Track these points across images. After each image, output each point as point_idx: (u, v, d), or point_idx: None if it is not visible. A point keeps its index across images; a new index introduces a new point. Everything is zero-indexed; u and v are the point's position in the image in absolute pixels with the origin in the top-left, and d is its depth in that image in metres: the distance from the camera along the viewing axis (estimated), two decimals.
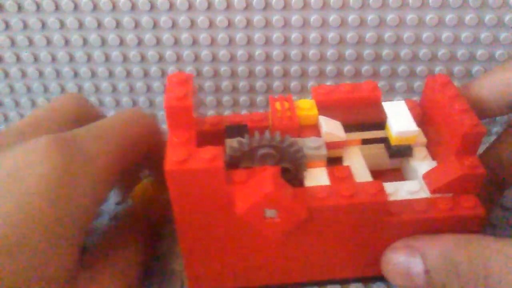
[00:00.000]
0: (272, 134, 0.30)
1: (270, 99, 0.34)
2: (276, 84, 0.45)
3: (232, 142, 0.30)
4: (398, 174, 0.36)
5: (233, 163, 0.30)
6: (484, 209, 0.31)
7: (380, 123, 0.34)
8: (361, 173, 0.33)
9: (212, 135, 0.34)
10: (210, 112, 0.47)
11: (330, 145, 0.33)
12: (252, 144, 0.29)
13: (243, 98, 0.46)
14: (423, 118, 0.36)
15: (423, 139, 0.35)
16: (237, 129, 0.32)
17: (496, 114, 0.35)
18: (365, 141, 0.35)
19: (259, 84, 0.45)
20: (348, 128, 0.34)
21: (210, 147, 0.28)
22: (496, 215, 0.40)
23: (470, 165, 0.31)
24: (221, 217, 0.29)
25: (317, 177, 0.31)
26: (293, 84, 0.45)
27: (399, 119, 0.33)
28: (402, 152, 0.34)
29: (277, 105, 0.34)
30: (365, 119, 0.34)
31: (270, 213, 0.28)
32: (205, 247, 0.31)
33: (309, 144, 0.32)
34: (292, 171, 0.31)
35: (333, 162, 0.33)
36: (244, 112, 0.47)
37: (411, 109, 0.36)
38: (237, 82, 0.45)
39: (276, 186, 0.27)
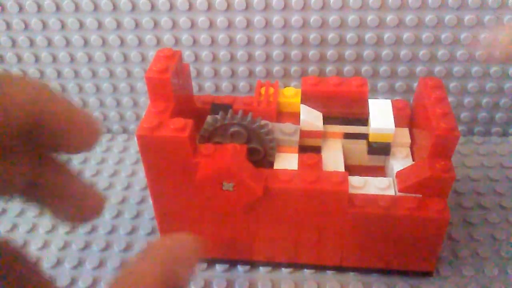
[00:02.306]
0: (245, 115, 0.31)
1: (258, 84, 0.36)
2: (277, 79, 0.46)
3: (209, 118, 0.32)
4: (381, 171, 0.36)
5: (207, 138, 0.32)
6: (449, 214, 0.31)
7: (363, 119, 0.35)
8: (335, 164, 0.34)
9: (205, 112, 0.36)
10: None
11: (307, 134, 0.34)
12: (223, 121, 0.31)
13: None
14: (412, 119, 0.36)
15: (407, 139, 0.35)
16: (221, 108, 0.34)
17: None
18: (348, 135, 0.36)
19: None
20: (331, 120, 0.35)
21: (181, 119, 0.30)
22: (496, 214, 0.39)
23: (441, 168, 0.31)
24: (187, 185, 0.31)
25: (287, 161, 0.33)
26: (294, 84, 0.46)
27: (379, 117, 0.34)
28: (381, 149, 0.34)
29: (262, 90, 0.35)
30: (348, 113, 0.35)
31: (227, 186, 0.29)
32: (175, 212, 0.33)
33: (283, 129, 0.33)
34: (261, 152, 0.32)
35: (312, 150, 0.34)
36: None
37: (400, 109, 0.36)
38: (237, 83, 0.46)
39: (233, 161, 0.29)
